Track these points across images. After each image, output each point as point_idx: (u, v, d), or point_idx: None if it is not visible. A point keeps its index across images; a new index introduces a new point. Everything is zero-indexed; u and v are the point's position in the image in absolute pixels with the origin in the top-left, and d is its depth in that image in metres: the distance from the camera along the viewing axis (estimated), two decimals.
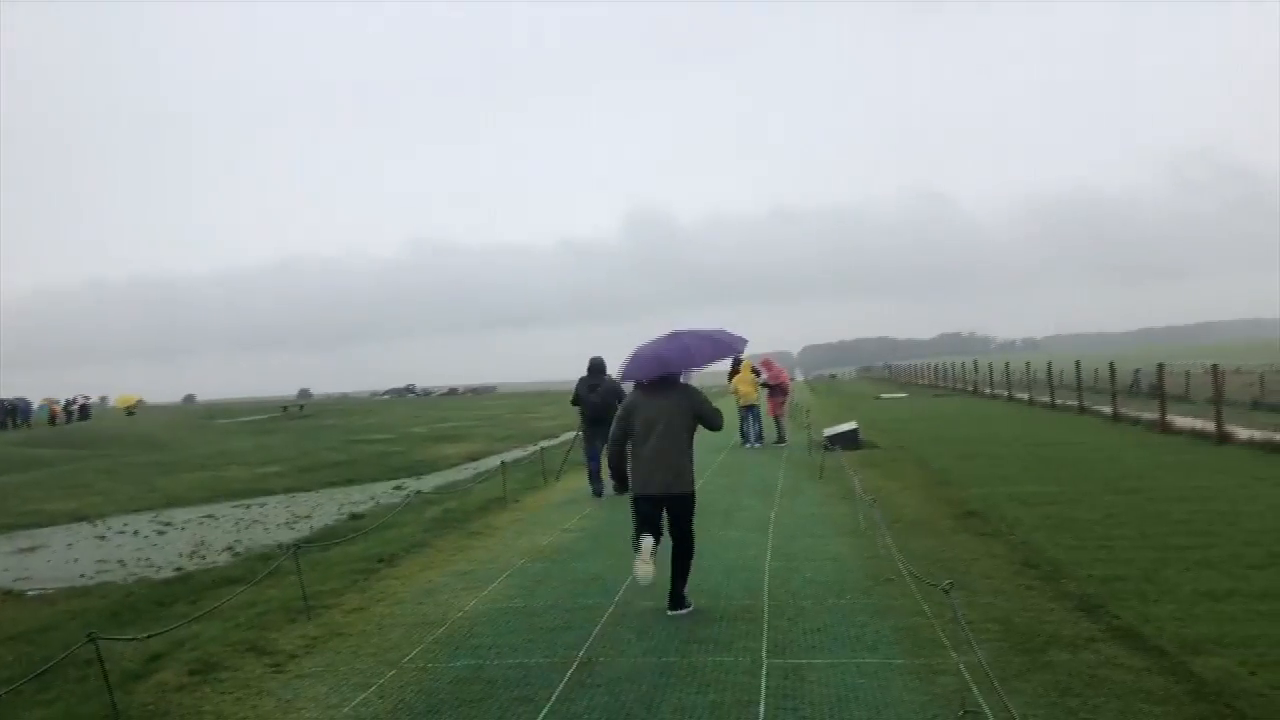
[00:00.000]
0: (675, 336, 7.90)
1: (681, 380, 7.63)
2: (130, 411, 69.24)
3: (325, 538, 12.01)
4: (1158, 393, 21.92)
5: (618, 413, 7.74)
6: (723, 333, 8.23)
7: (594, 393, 14.10)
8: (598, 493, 14.01)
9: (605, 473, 11.65)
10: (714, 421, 7.68)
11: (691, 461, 7.49)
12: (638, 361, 7.64)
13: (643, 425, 7.34)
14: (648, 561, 6.95)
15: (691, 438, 7.49)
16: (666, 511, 7.30)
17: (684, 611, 7.22)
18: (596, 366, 14.19)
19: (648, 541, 7.01)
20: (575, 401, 14.51)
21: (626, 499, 7.63)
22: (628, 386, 7.94)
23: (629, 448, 7.49)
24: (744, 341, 8.40)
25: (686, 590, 7.34)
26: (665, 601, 7.21)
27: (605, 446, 8.57)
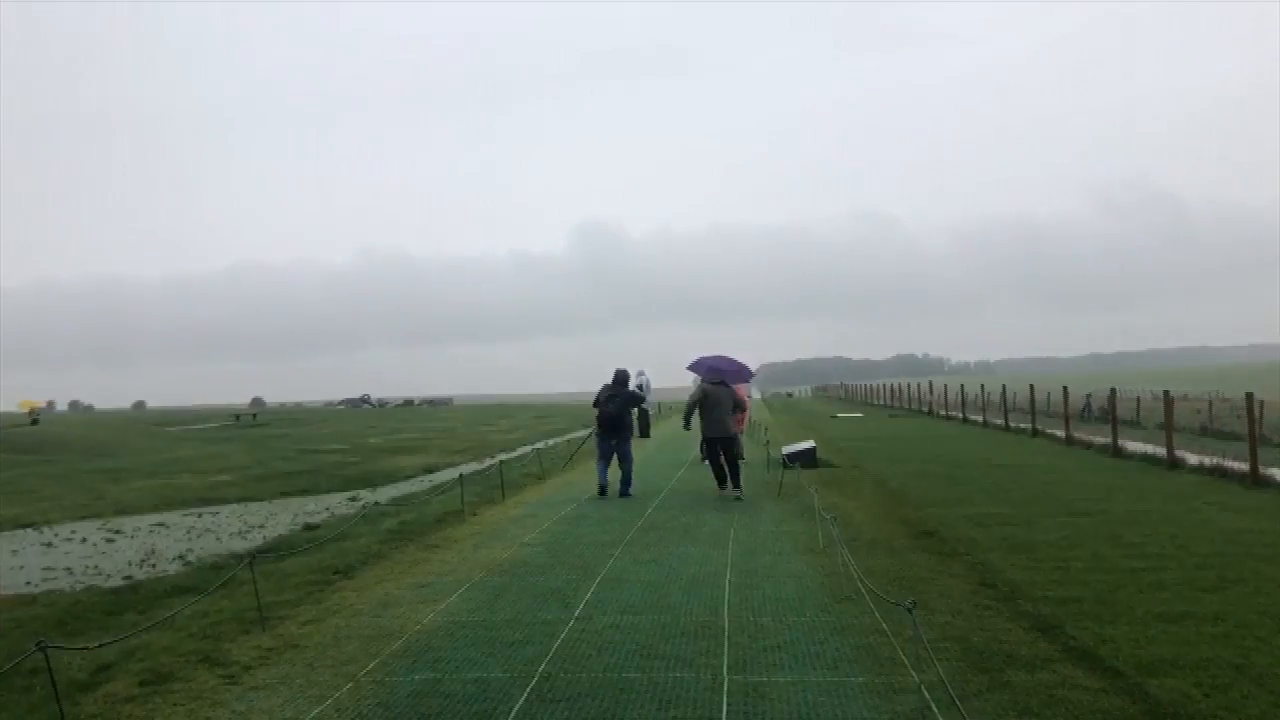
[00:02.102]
0: (721, 358, 16.41)
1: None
2: (34, 419, 60.60)
3: (280, 548, 11.83)
4: (1109, 417, 22.26)
5: (695, 393, 15.50)
6: (742, 364, 16.76)
7: (611, 402, 15.40)
8: (603, 491, 15.23)
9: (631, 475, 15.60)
10: (740, 405, 16.05)
11: (733, 421, 15.22)
12: (707, 369, 15.94)
13: (710, 403, 14.81)
14: (721, 488, 14.89)
15: (732, 411, 15.18)
16: (721, 447, 14.87)
17: (739, 492, 14.49)
18: (620, 379, 15.66)
19: (719, 484, 15.02)
20: (597, 404, 15.62)
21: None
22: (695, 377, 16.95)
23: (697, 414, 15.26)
24: (751, 372, 17.39)
25: (741, 483, 14.71)
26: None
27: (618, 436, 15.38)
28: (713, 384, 15.10)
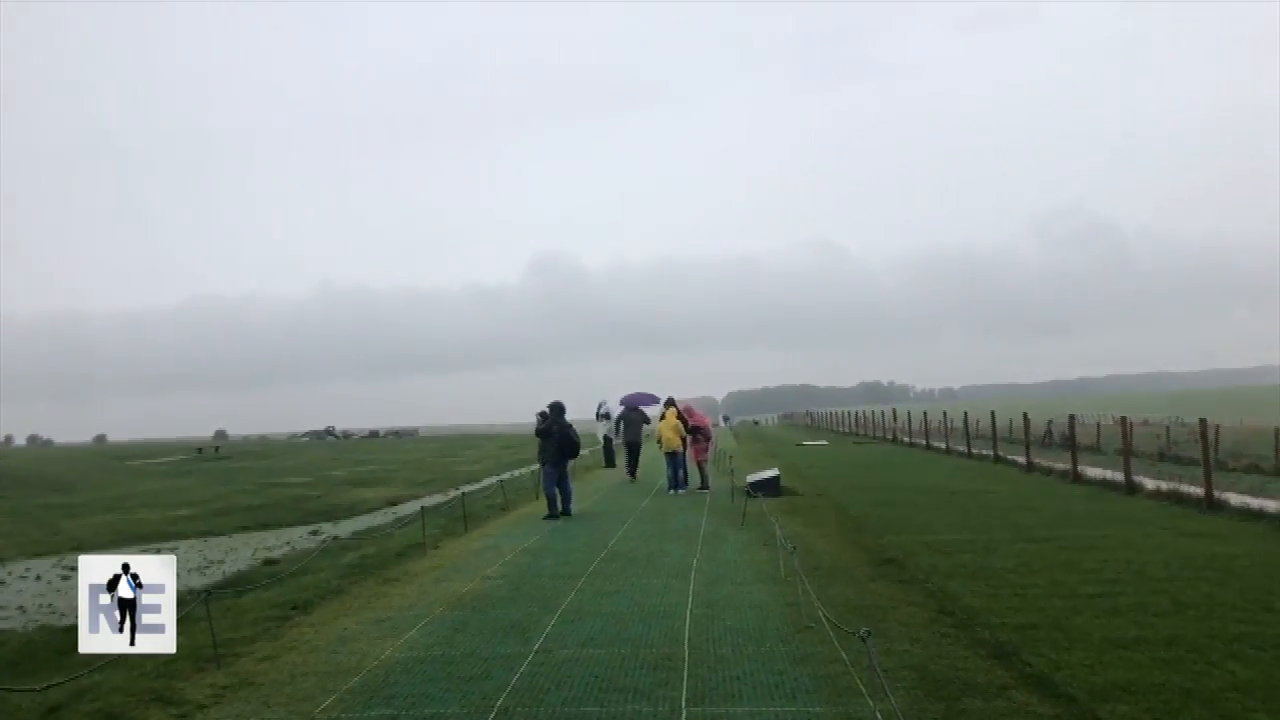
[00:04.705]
0: (637, 395, 26.26)
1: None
2: None
3: (238, 583, 11.71)
4: (1070, 443, 22.50)
5: (621, 414, 25.86)
6: (649, 394, 26.26)
7: (570, 429, 17.05)
8: (554, 515, 16.39)
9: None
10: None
11: (642, 433, 25.28)
12: (629, 401, 25.95)
13: (629, 421, 24.96)
14: (633, 479, 23.74)
15: (643, 425, 25.34)
16: (632, 448, 24.58)
17: (634, 480, 23.71)
18: (559, 408, 17.13)
19: (631, 475, 24.21)
20: (543, 434, 16.93)
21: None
22: (621, 408, 26.30)
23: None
24: (654, 398, 25.43)
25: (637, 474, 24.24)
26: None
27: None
28: (630, 410, 25.08)
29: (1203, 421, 16.91)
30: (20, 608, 11.84)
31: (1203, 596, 8.52)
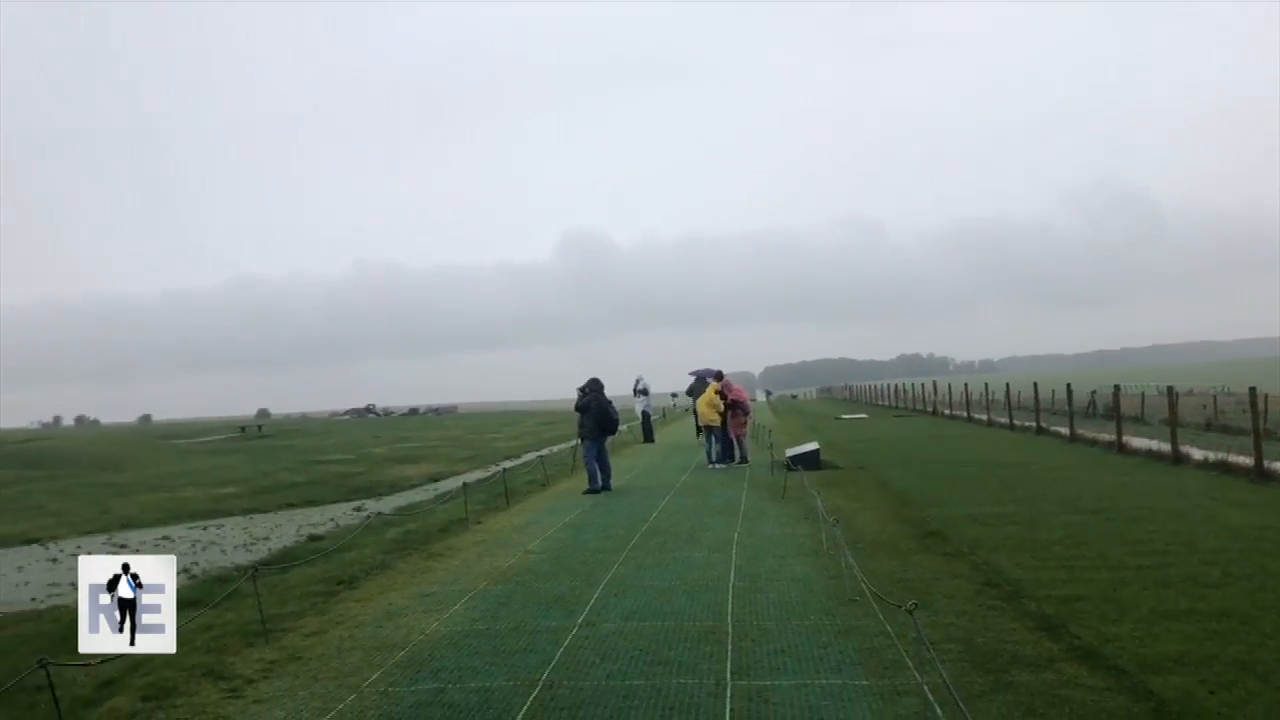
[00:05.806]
0: (702, 370, 23.81)
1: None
2: None
3: (284, 560, 11.83)
4: (1114, 414, 22.23)
5: (689, 387, 24.44)
6: (709, 369, 22.63)
7: (610, 405, 17.30)
8: (594, 490, 16.53)
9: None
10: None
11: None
12: (697, 374, 23.90)
13: (696, 393, 21.85)
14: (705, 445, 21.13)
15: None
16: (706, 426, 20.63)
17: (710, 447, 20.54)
18: (598, 385, 17.51)
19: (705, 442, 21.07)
20: (582, 410, 17.29)
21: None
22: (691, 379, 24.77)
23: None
24: (715, 372, 21.56)
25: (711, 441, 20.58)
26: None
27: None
28: (697, 382, 23.47)
29: (1252, 390, 16.62)
30: (73, 584, 12.02)
31: (1255, 568, 8.39)
